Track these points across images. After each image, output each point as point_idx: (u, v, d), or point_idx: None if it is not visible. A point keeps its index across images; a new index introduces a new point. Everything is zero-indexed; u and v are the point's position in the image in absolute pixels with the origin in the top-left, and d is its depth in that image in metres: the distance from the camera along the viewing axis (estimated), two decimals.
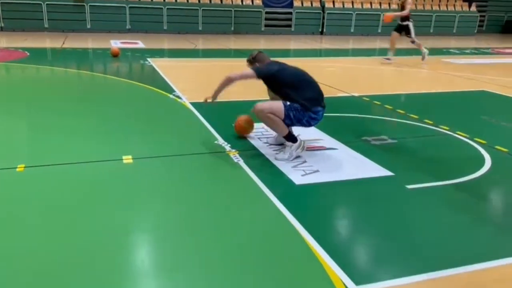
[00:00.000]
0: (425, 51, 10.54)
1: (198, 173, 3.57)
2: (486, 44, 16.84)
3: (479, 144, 4.44)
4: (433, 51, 12.87)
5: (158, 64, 9.21)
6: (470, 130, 4.89)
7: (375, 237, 2.68)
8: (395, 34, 10.53)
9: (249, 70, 3.90)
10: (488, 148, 4.31)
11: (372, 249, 2.58)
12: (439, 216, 2.96)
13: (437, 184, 3.44)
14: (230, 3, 18.06)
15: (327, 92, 7.02)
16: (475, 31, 21.94)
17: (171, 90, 6.57)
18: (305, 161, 3.83)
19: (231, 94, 5.83)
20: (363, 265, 2.43)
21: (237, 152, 4.01)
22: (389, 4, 20.39)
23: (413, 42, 10.43)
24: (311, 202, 3.16)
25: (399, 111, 5.73)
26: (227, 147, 4.15)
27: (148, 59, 9.92)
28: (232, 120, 4.63)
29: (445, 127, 5.00)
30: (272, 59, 4.09)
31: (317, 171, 3.63)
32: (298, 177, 3.48)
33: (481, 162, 3.95)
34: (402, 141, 4.55)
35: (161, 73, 8.07)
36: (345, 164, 3.86)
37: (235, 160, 3.81)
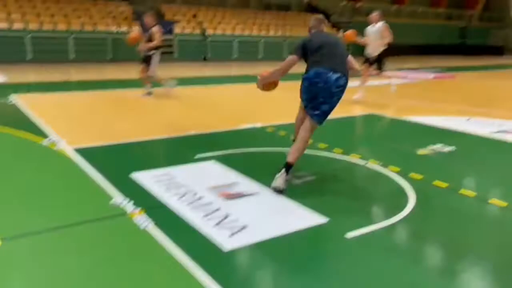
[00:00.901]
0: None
1: (89, 254, 2.71)
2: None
3: (395, 172, 4.34)
4: None
5: (24, 101, 7.82)
6: (381, 157, 4.79)
7: None
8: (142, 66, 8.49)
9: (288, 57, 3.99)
10: (405, 177, 4.21)
11: None
12: (392, 274, 2.61)
13: (374, 229, 3.12)
14: (106, 29, 16.82)
15: (228, 125, 6.70)
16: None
17: (44, 134, 5.45)
18: (227, 215, 3.25)
19: (124, 134, 5.01)
20: None
21: (143, 211, 3.26)
22: (267, 30, 21.08)
23: (152, 76, 8.50)
24: (246, 273, 2.58)
25: None
26: (129, 205, 3.36)
27: (11, 95, 8.41)
28: (130, 166, 3.86)
29: (356, 155, 4.85)
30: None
31: (245, 227, 3.06)
32: (225, 239, 2.87)
33: (404, 195, 3.79)
34: (322, 176, 4.23)
35: (29, 113, 6.78)
36: (273, 213, 3.36)
37: (142, 225, 3.06)
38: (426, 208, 3.54)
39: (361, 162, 4.68)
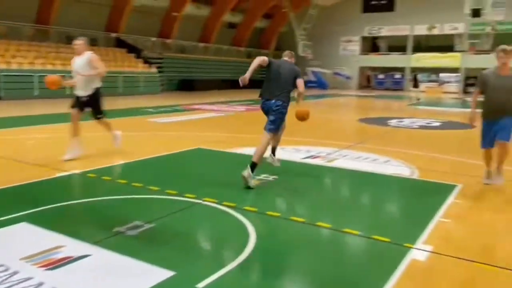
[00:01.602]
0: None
1: None
2: (174, 102, 18.33)
3: (231, 208, 4.35)
4: (133, 112, 12.94)
5: None
6: (214, 193, 4.78)
7: None
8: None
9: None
10: (241, 211, 4.25)
11: None
12: None
13: (225, 272, 3.01)
14: None
15: (38, 174, 5.70)
16: (160, 90, 23.81)
17: None
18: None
19: None
20: None
21: None
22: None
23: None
24: None
25: (136, 184, 5.10)
26: None
27: None
28: None
29: (190, 195, 4.70)
30: None
31: None
32: None
33: (245, 230, 3.80)
34: (160, 222, 3.94)
35: None
36: (111, 276, 2.92)
37: None
38: (267, 240, 3.61)
39: (197, 200, 4.56)
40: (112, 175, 5.69)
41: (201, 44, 30.98)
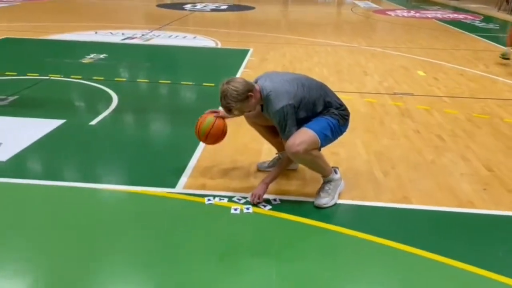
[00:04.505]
0: None
1: None
2: None
3: (77, 79, 5.04)
4: None
5: None
6: (57, 71, 5.29)
7: None
8: None
9: None
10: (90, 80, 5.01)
11: None
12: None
13: (105, 115, 3.96)
14: None
15: None
16: None
17: None
18: None
19: None
20: None
21: None
22: None
23: None
24: None
25: None
26: None
27: None
28: None
29: (33, 74, 5.12)
30: None
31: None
32: None
33: (108, 93, 4.64)
34: (23, 94, 4.43)
35: None
36: (13, 132, 3.54)
37: None
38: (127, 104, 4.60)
39: (44, 77, 5.04)
40: None
41: None
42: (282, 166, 2.65)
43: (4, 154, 3.07)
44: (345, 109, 2.63)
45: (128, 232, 2.31)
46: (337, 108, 2.58)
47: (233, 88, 2.37)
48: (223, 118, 2.71)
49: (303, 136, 2.43)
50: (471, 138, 3.69)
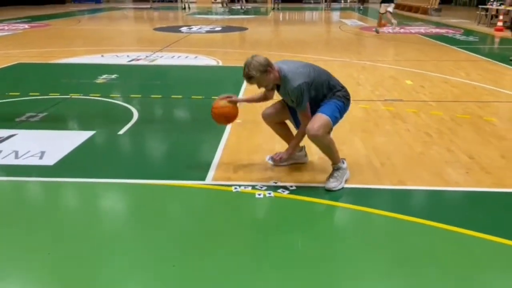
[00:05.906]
0: None
1: None
2: None
3: (97, 97, 5.50)
4: None
5: None
6: (78, 90, 5.76)
7: None
8: None
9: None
10: (108, 98, 5.48)
11: None
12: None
13: (129, 126, 4.42)
14: None
15: None
16: None
17: None
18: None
19: None
20: None
21: None
22: None
23: None
24: None
25: None
26: None
27: None
28: None
29: (55, 94, 5.58)
30: None
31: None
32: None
33: (128, 109, 5.12)
34: (50, 111, 4.87)
35: None
36: (47, 142, 4.00)
37: None
38: (146, 112, 5.07)
39: (65, 96, 5.50)
40: None
41: None
42: (299, 138, 3.16)
43: (51, 160, 3.51)
44: (346, 90, 3.17)
45: (177, 217, 2.80)
46: (339, 90, 3.11)
47: (256, 60, 2.92)
48: (234, 102, 3.27)
49: (320, 120, 2.95)
50: (455, 134, 4.21)
